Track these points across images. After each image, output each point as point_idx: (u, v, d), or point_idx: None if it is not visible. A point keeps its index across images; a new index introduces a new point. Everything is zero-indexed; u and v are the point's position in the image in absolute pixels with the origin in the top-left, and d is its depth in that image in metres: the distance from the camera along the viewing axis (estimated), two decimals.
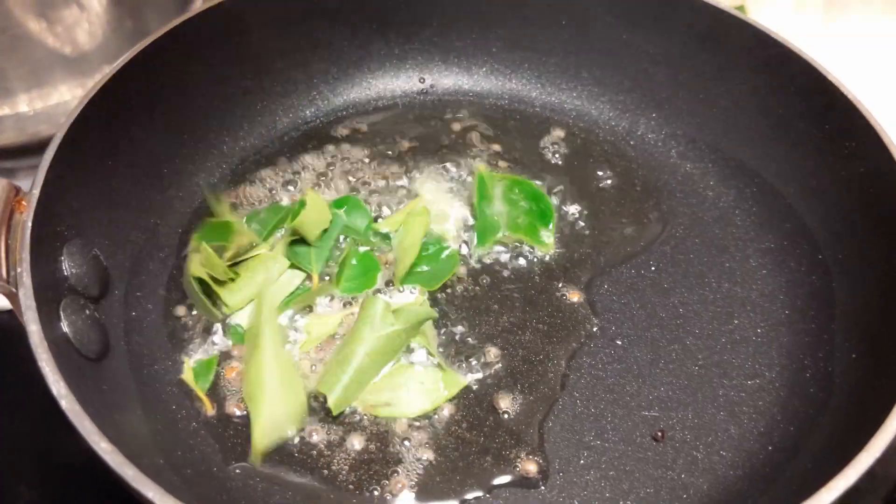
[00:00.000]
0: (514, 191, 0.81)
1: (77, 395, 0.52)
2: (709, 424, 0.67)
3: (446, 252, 0.77)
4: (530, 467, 0.64)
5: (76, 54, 0.87)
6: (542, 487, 0.63)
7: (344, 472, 0.64)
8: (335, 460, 0.64)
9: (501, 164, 0.86)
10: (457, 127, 0.90)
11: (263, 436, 0.64)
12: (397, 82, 0.94)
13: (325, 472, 0.63)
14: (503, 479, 0.64)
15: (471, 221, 0.80)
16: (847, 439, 0.58)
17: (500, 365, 0.70)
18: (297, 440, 0.65)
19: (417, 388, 0.67)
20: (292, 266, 0.74)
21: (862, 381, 0.65)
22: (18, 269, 0.57)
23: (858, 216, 0.73)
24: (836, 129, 0.75)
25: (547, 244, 0.78)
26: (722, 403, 0.69)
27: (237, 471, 0.63)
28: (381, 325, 0.67)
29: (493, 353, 0.71)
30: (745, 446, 0.66)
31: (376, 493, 0.62)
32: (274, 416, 0.65)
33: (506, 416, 0.67)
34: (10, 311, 0.64)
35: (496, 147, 0.88)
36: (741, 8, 1.13)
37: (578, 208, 0.82)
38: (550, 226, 0.79)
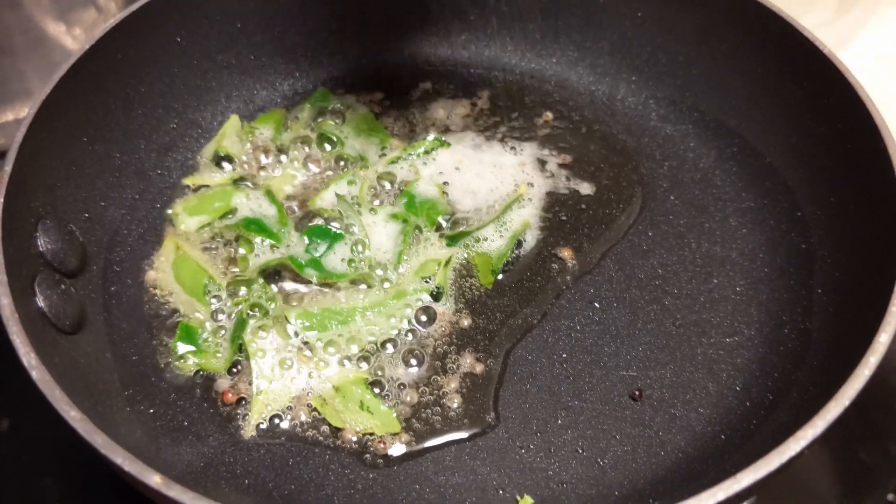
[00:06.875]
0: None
1: (49, 366, 0.52)
2: (687, 382, 0.67)
3: None
4: (508, 427, 0.65)
5: None
6: (520, 447, 0.64)
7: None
8: (321, 428, 0.65)
9: (483, 131, 0.86)
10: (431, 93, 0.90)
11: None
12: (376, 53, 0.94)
13: (311, 436, 0.64)
14: (480, 436, 0.64)
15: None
16: (823, 393, 0.57)
17: (477, 326, 0.71)
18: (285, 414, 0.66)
19: (359, 410, 0.66)
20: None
21: (838, 337, 0.65)
22: None
23: (837, 172, 0.73)
24: (814, 87, 0.75)
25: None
26: (700, 361, 0.69)
27: (217, 441, 0.64)
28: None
29: (467, 316, 0.71)
30: (724, 403, 0.66)
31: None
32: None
33: (483, 376, 0.67)
34: None
35: (477, 114, 0.88)
36: None
37: (558, 172, 0.82)
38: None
